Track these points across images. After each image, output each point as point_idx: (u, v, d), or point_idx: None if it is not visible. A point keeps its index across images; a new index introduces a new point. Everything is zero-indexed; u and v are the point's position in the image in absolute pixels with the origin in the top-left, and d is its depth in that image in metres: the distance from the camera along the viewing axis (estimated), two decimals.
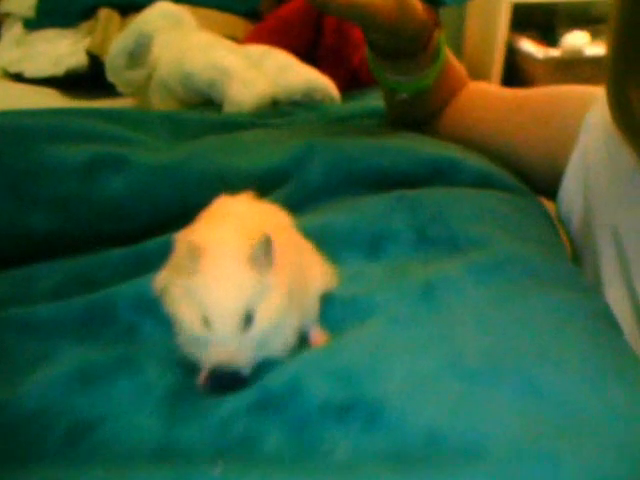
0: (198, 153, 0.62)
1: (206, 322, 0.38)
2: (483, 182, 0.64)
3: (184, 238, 0.41)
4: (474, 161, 0.66)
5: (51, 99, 1.21)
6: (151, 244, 0.54)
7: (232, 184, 0.61)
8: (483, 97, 0.76)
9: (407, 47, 0.68)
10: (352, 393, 0.39)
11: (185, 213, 0.52)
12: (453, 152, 0.67)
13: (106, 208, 0.58)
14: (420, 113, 0.77)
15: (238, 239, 0.39)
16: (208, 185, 0.59)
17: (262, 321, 0.39)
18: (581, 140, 0.64)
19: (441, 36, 0.71)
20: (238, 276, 0.38)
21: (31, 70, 1.28)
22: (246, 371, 0.40)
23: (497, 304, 0.47)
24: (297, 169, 0.62)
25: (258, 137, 0.69)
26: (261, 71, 0.99)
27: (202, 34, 1.06)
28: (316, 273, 0.47)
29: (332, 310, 0.48)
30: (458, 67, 0.77)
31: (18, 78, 1.31)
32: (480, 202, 0.59)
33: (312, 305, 0.46)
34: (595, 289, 0.53)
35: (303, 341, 0.46)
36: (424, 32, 0.68)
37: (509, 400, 0.39)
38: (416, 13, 0.66)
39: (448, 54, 0.74)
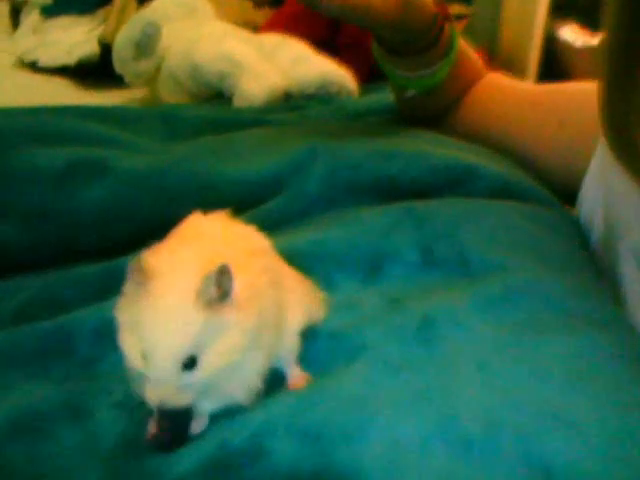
0: (185, 158, 0.57)
1: (144, 358, 0.33)
2: (504, 192, 0.57)
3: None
4: (494, 167, 0.59)
5: (62, 89, 1.17)
6: (126, 261, 0.49)
7: (221, 193, 0.55)
8: (499, 91, 0.70)
9: (415, 42, 0.63)
10: (323, 459, 0.33)
11: (167, 226, 0.46)
12: (470, 157, 0.60)
13: (81, 220, 0.52)
14: (431, 109, 0.71)
15: (192, 268, 0.33)
16: (194, 195, 0.54)
17: (209, 365, 0.33)
18: (600, 148, 0.57)
19: (453, 30, 0.65)
20: (184, 313, 0.33)
21: (45, 59, 1.24)
22: (195, 423, 0.36)
23: (507, 349, 0.40)
24: (295, 176, 0.56)
25: (256, 138, 0.63)
26: (274, 63, 0.93)
27: (215, 23, 1.01)
28: (299, 304, 0.41)
29: (316, 346, 0.42)
30: (474, 59, 0.71)
31: (33, 67, 1.28)
32: (498, 218, 0.52)
33: (290, 341, 0.40)
34: (636, 330, 0.45)
35: (280, 382, 0.40)
36: (433, 26, 0.62)
37: None
38: (424, 7, 0.60)
39: (462, 46, 0.68)
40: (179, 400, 0.33)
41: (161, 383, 0.33)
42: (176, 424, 0.35)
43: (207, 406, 0.36)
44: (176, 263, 0.34)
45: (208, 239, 0.37)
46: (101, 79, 1.17)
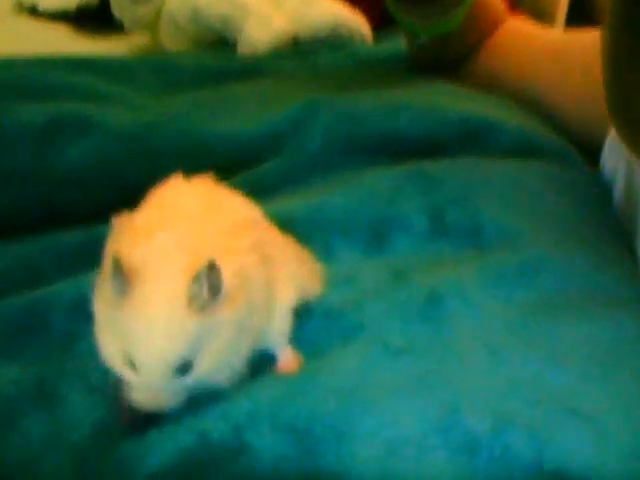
0: (175, 114, 0.53)
1: (131, 364, 0.31)
2: (524, 149, 0.53)
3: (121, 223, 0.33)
4: (514, 121, 0.54)
5: (61, 36, 1.13)
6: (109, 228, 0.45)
7: (213, 153, 0.52)
8: (521, 39, 0.66)
9: None
10: (311, 460, 0.30)
11: (154, 187, 0.42)
12: (488, 110, 0.55)
13: (62, 181, 0.49)
14: (446, 57, 0.67)
15: (178, 266, 0.30)
16: (184, 154, 0.50)
17: (202, 367, 0.31)
18: None
19: None
20: (175, 320, 0.30)
21: (44, 3, 1.20)
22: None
23: (519, 332, 0.36)
24: (293, 134, 0.52)
25: (253, 92, 0.58)
26: (281, 5, 0.88)
27: None
28: (291, 279, 0.37)
29: (310, 325, 0.39)
30: (494, 4, 0.66)
31: (32, 12, 1.24)
32: (515, 181, 0.48)
33: (282, 321, 0.36)
34: None
35: (270, 364, 0.37)
36: None
37: None
38: None
39: None
40: (171, 402, 0.31)
41: (150, 388, 0.31)
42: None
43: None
44: (159, 260, 0.30)
45: (189, 216, 0.33)
46: (101, 25, 1.12)
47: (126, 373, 0.31)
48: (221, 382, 0.33)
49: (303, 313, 0.39)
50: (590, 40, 0.59)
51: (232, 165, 0.50)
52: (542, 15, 0.72)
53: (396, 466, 0.30)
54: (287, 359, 0.37)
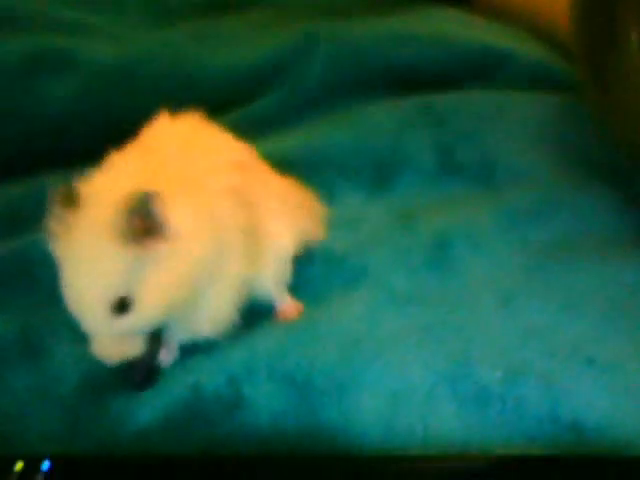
0: (163, 46, 0.50)
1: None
2: (541, 81, 0.50)
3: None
4: (530, 52, 0.51)
5: None
6: (92, 169, 0.43)
7: (205, 88, 0.49)
8: None
9: None
10: (310, 413, 0.29)
11: (140, 127, 0.40)
12: (501, 40, 0.52)
13: (43, 120, 0.47)
14: None
15: (118, 197, 0.28)
16: (173, 90, 0.48)
17: (146, 305, 0.29)
18: None
19: None
20: (102, 250, 0.28)
21: None
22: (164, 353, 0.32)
23: (533, 276, 0.34)
24: (291, 67, 0.49)
25: (248, 22, 0.55)
26: None
27: None
28: (287, 226, 0.35)
29: (312, 271, 0.37)
30: None
31: None
32: (530, 115, 0.45)
33: (276, 269, 0.35)
34: None
35: (268, 312, 0.35)
36: None
37: None
38: None
39: None
40: (127, 351, 0.29)
41: (95, 333, 0.29)
42: (145, 358, 0.31)
43: (175, 337, 0.32)
44: (108, 190, 0.29)
45: (164, 154, 0.31)
46: None
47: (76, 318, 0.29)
48: (208, 333, 0.32)
49: (303, 258, 0.37)
50: None
51: (226, 100, 0.48)
52: None
53: (402, 418, 0.28)
54: (286, 307, 0.35)
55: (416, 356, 0.30)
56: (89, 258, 0.28)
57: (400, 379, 0.30)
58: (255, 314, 0.35)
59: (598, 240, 0.37)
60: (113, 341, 0.29)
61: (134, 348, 0.30)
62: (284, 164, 0.42)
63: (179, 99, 0.48)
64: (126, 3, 0.61)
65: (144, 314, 0.29)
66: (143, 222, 0.28)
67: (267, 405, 0.29)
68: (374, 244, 0.38)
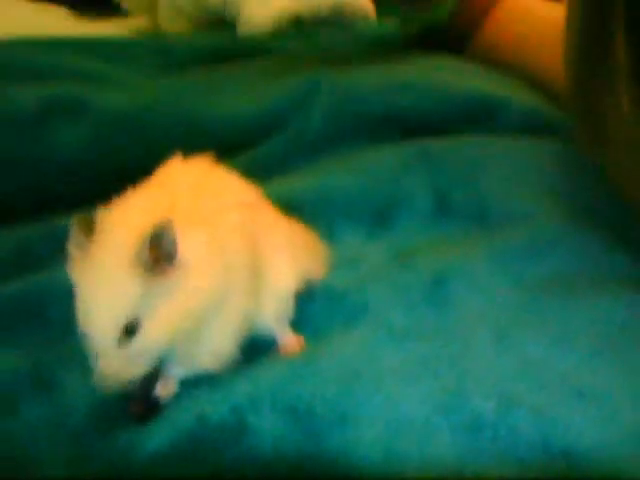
0: (172, 94, 0.52)
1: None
2: (533, 127, 0.52)
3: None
4: (522, 99, 0.54)
5: (59, 19, 1.12)
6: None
7: (211, 134, 0.51)
8: (522, 14, 0.64)
9: None
10: (312, 442, 0.30)
11: (151, 172, 0.43)
12: (497, 88, 0.54)
13: (56, 165, 0.49)
14: (441, 41, 0.66)
15: (138, 227, 0.30)
16: (181, 136, 0.50)
17: (152, 331, 0.31)
18: None
19: None
20: (118, 276, 0.30)
21: None
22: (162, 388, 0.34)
23: (528, 312, 0.36)
24: (294, 114, 0.52)
25: (253, 71, 0.58)
26: None
27: None
28: (290, 263, 0.37)
29: (314, 307, 0.39)
30: None
31: None
32: (524, 160, 0.47)
33: (278, 305, 0.36)
34: None
35: (270, 346, 0.37)
36: None
37: None
38: None
39: None
40: (129, 373, 0.31)
41: (106, 354, 0.31)
42: (142, 392, 0.33)
43: (176, 372, 0.34)
44: (124, 221, 0.31)
45: (177, 192, 0.33)
46: (99, 8, 1.12)
47: (85, 340, 0.31)
48: (209, 367, 0.33)
49: (305, 295, 0.39)
50: None
51: (232, 146, 0.50)
52: None
53: (400, 447, 0.30)
54: (288, 341, 0.37)
55: (413, 388, 0.32)
56: (104, 281, 0.30)
57: (398, 410, 0.31)
58: (258, 348, 0.36)
59: (590, 278, 0.39)
60: (117, 363, 0.31)
61: (136, 372, 0.31)
62: (287, 206, 0.44)
63: (187, 145, 0.51)
64: (136, 53, 0.64)
65: (149, 340, 0.31)
66: (157, 251, 0.30)
67: (270, 433, 0.31)
68: (373, 282, 0.39)
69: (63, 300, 0.40)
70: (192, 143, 0.51)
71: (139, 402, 0.33)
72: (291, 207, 0.44)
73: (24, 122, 0.49)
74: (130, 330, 0.30)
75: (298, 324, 0.38)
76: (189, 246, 0.31)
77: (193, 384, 0.34)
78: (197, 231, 0.31)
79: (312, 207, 0.45)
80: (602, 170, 0.43)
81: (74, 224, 0.31)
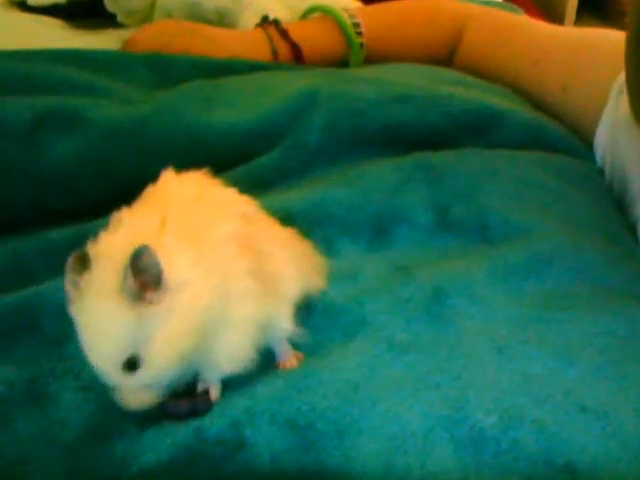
0: (167, 107, 0.53)
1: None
2: (532, 141, 0.53)
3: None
4: (523, 112, 0.55)
5: (53, 30, 1.13)
6: (99, 224, 0.46)
7: (207, 147, 0.52)
8: (500, 38, 0.68)
9: None
10: (311, 457, 0.31)
11: (147, 185, 0.43)
12: (496, 100, 0.55)
13: (51, 178, 0.49)
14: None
15: (120, 259, 0.30)
16: (176, 149, 0.51)
17: (156, 359, 0.31)
18: (610, 107, 0.53)
19: None
20: (109, 314, 0.30)
21: None
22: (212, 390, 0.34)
23: (528, 327, 0.36)
24: (292, 126, 0.52)
25: (249, 83, 0.58)
26: None
27: None
28: (290, 273, 0.37)
29: (312, 321, 0.39)
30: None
31: (22, 6, 1.24)
32: (523, 174, 0.48)
33: (279, 315, 0.37)
34: None
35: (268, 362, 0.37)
36: None
37: None
38: None
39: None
40: (142, 400, 0.31)
41: (118, 387, 0.31)
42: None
43: (209, 375, 0.34)
44: (111, 252, 0.31)
45: (168, 208, 0.33)
46: (94, 19, 1.13)
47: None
48: (230, 370, 0.34)
49: (303, 309, 0.39)
50: (573, 45, 0.61)
51: (230, 158, 0.51)
52: (552, 11, 0.73)
53: (400, 461, 0.30)
54: (287, 356, 0.37)
55: (414, 402, 0.32)
56: (97, 320, 0.30)
57: (398, 423, 0.31)
58: (256, 363, 0.37)
59: (590, 293, 0.40)
60: (133, 392, 0.31)
61: (155, 395, 0.32)
62: (285, 219, 0.45)
63: (184, 157, 0.51)
64: (127, 67, 0.64)
65: (154, 369, 0.31)
66: (141, 277, 0.29)
67: (269, 447, 0.31)
68: (373, 295, 0.40)
69: (57, 313, 0.41)
70: (189, 156, 0.52)
71: (178, 404, 0.33)
72: (289, 220, 0.45)
73: (18, 134, 0.50)
74: (132, 365, 0.31)
75: (296, 340, 0.38)
76: (177, 267, 0.31)
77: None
78: (185, 250, 0.31)
79: (310, 220, 0.46)
80: None
81: (68, 264, 0.31)
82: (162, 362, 0.31)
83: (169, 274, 0.30)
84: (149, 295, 0.30)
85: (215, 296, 0.32)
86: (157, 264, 0.30)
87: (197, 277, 0.31)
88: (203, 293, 0.31)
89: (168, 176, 0.37)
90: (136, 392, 0.31)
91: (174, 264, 0.31)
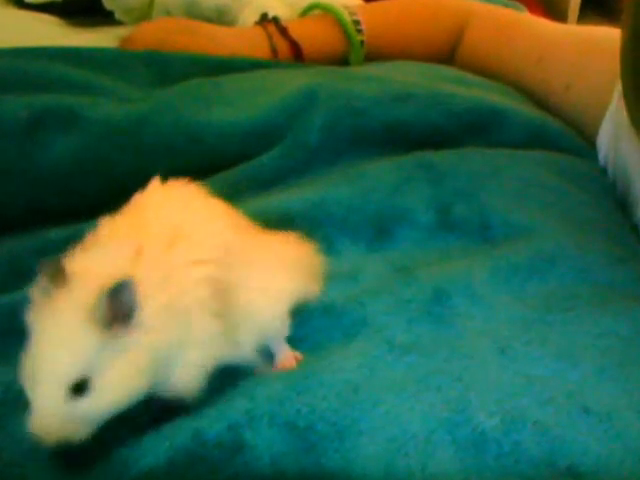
0: (165, 106, 0.53)
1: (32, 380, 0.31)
2: (534, 140, 0.53)
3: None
4: (524, 111, 0.55)
5: (49, 28, 1.13)
6: (96, 224, 0.46)
7: (206, 146, 0.52)
8: (503, 37, 0.68)
9: None
10: (311, 458, 0.31)
11: (145, 184, 0.43)
12: (498, 98, 0.55)
13: (48, 177, 0.49)
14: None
15: (96, 280, 0.30)
16: (174, 148, 0.51)
17: (103, 392, 0.30)
18: (613, 106, 0.53)
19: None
20: (72, 332, 0.29)
21: None
22: None
23: (530, 328, 0.36)
24: (292, 125, 0.52)
25: (248, 81, 0.58)
26: None
27: None
28: (283, 281, 0.37)
29: (312, 322, 0.39)
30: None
31: (19, 3, 1.24)
32: (525, 174, 0.48)
33: (272, 323, 0.36)
34: None
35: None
36: None
37: None
38: None
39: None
40: (69, 433, 0.30)
41: (42, 410, 0.30)
42: None
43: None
44: (87, 270, 0.30)
45: (151, 229, 0.33)
46: (91, 17, 1.13)
47: (27, 391, 0.30)
48: (181, 394, 0.33)
49: (304, 310, 0.39)
50: (576, 43, 0.61)
51: (227, 157, 0.51)
52: (555, 9, 0.73)
53: (401, 463, 0.30)
54: (284, 356, 0.37)
55: (415, 404, 0.32)
56: (58, 333, 0.29)
57: (399, 425, 0.31)
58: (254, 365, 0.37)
59: (592, 294, 0.40)
60: (58, 421, 0.29)
61: (78, 433, 0.30)
62: (285, 218, 0.45)
63: (182, 156, 0.51)
64: (129, 63, 0.64)
65: (101, 400, 0.30)
66: (115, 308, 0.29)
67: (268, 449, 0.31)
68: (373, 296, 0.40)
69: None
70: (188, 155, 0.52)
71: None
72: (289, 220, 0.45)
73: (14, 133, 0.50)
74: (79, 388, 0.29)
75: (297, 339, 0.38)
76: (149, 308, 0.30)
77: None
78: (158, 292, 0.31)
79: (310, 220, 0.46)
80: None
81: (41, 269, 0.30)
82: (110, 395, 0.30)
83: (141, 314, 0.30)
84: (116, 327, 0.30)
85: (178, 344, 0.32)
86: (134, 302, 0.30)
87: (165, 323, 0.31)
88: (166, 340, 0.31)
89: (154, 188, 0.36)
90: (66, 423, 0.30)
91: (147, 304, 0.30)
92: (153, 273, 0.31)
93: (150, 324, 0.30)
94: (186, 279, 0.32)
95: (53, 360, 0.29)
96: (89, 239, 0.33)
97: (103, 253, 0.31)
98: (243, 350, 0.35)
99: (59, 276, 0.30)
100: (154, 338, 0.31)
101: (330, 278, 0.42)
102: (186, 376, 0.33)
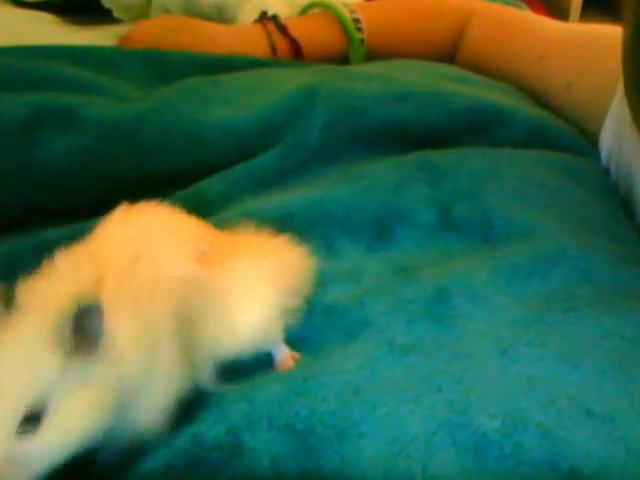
0: (163, 104, 0.52)
1: None
2: (536, 139, 0.53)
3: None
4: (526, 110, 0.55)
5: (47, 26, 1.13)
6: (94, 224, 0.46)
7: (205, 145, 0.52)
8: (505, 35, 0.68)
9: None
10: (311, 460, 0.31)
11: (143, 184, 0.43)
12: (499, 97, 0.55)
13: (46, 176, 0.49)
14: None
15: (60, 301, 0.27)
16: (173, 147, 0.50)
17: (55, 431, 0.27)
18: (616, 104, 0.53)
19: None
20: (29, 355, 0.27)
21: None
22: None
23: (532, 329, 0.36)
24: (291, 124, 0.52)
25: (247, 80, 0.58)
26: None
27: None
28: (271, 286, 0.36)
29: (312, 323, 0.39)
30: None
31: (16, 1, 1.24)
32: (527, 173, 0.48)
33: (270, 324, 0.36)
34: None
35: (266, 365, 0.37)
36: None
37: None
38: None
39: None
40: (9, 475, 0.26)
41: None
42: None
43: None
44: (50, 291, 0.28)
45: (112, 257, 0.31)
46: (89, 15, 1.13)
47: None
48: (144, 425, 0.31)
49: (304, 310, 0.39)
50: (578, 41, 0.61)
51: (226, 157, 0.51)
52: (557, 7, 0.73)
53: (402, 465, 0.30)
54: (283, 357, 0.37)
55: (415, 405, 0.32)
56: (14, 356, 0.27)
57: (400, 427, 0.31)
58: (253, 366, 0.37)
59: (595, 294, 0.39)
60: (9, 462, 0.26)
61: (22, 477, 0.26)
62: (285, 218, 0.45)
63: (181, 156, 0.51)
64: (128, 62, 0.64)
65: (54, 437, 0.27)
66: (80, 332, 0.27)
67: (267, 452, 0.31)
68: (374, 296, 0.40)
69: None
70: (186, 154, 0.52)
71: None
72: (289, 220, 0.45)
73: (12, 131, 0.50)
74: (33, 420, 0.26)
75: (297, 340, 0.38)
76: (115, 330, 0.28)
77: (188, 404, 0.34)
78: (124, 319, 0.29)
79: (310, 220, 0.46)
80: None
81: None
82: (66, 429, 0.27)
83: (108, 343, 0.28)
84: (79, 353, 0.27)
85: (145, 376, 0.30)
86: (101, 324, 0.28)
87: (130, 347, 0.29)
88: (133, 372, 0.29)
89: (118, 215, 0.34)
90: (11, 465, 0.26)
91: (115, 332, 0.28)
92: (117, 301, 0.29)
93: (118, 357, 0.28)
94: (151, 312, 0.30)
95: (8, 380, 0.26)
96: (46, 266, 0.30)
97: (64, 278, 0.29)
98: (202, 377, 0.34)
99: (10, 300, 0.28)
100: (121, 369, 0.28)
101: (330, 278, 0.42)
102: (150, 410, 0.31)
